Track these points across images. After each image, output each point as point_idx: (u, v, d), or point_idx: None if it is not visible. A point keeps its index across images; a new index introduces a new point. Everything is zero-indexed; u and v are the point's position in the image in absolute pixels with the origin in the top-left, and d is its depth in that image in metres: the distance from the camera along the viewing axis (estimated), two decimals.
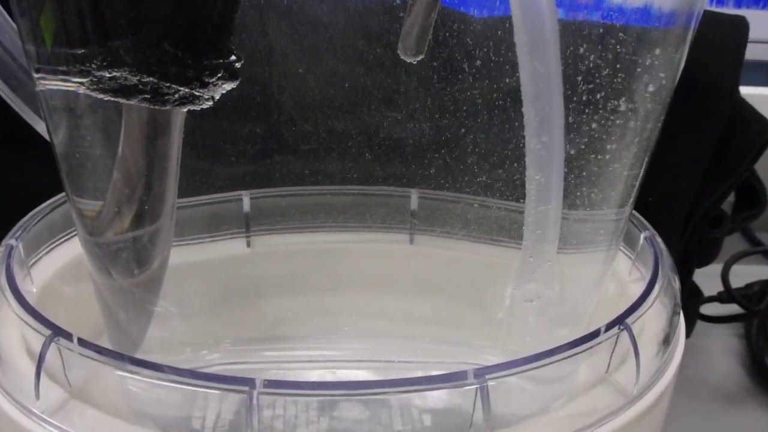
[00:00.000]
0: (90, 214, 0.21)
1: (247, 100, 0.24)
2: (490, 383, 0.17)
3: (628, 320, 0.20)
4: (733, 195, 0.36)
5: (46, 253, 0.26)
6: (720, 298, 0.39)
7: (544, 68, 0.16)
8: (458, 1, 0.21)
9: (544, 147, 0.17)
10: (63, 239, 0.27)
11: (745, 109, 0.32)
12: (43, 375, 0.19)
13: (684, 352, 0.23)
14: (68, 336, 0.19)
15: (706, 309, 0.39)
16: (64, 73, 0.18)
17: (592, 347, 0.19)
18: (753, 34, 0.33)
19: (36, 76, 0.19)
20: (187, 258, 0.26)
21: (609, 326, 0.20)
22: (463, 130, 0.24)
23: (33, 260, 0.25)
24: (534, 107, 0.17)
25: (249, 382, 0.17)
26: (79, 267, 0.24)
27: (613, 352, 0.20)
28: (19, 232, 0.24)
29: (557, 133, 0.17)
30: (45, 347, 0.18)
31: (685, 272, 0.36)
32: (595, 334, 0.19)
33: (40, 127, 0.22)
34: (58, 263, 0.26)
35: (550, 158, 0.18)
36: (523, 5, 0.15)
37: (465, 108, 0.23)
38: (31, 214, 0.25)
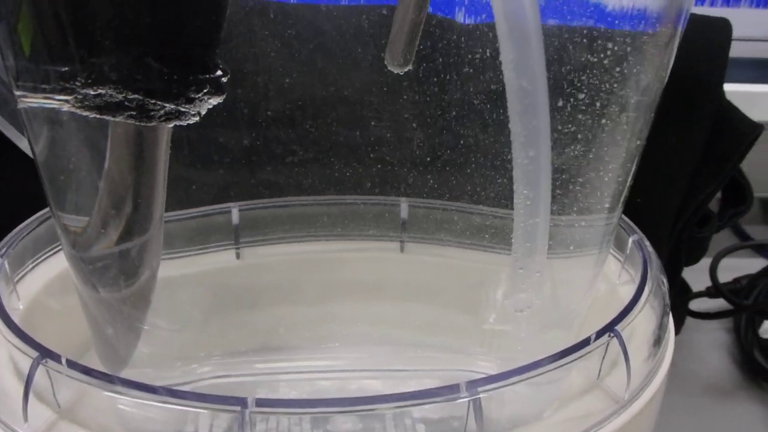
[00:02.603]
0: (75, 230, 0.21)
1: (234, 112, 0.24)
2: (482, 395, 0.17)
3: (618, 327, 0.20)
4: (720, 193, 0.36)
5: (33, 268, 0.26)
6: (708, 293, 0.39)
7: (530, 85, 0.16)
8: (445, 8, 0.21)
9: (531, 161, 0.17)
10: (49, 253, 0.26)
11: (731, 109, 0.32)
12: (31, 396, 0.18)
13: (674, 347, 0.23)
14: (56, 357, 0.18)
15: (695, 304, 0.39)
16: (47, 90, 0.17)
17: (582, 356, 0.19)
18: (735, 32, 0.33)
19: (17, 93, 0.19)
20: (176, 271, 0.25)
21: (599, 334, 0.20)
22: (451, 139, 0.24)
23: (19, 276, 0.25)
24: (521, 122, 0.17)
25: (241, 401, 0.17)
26: (67, 281, 0.23)
27: (603, 358, 0.20)
28: (5, 248, 0.24)
29: (544, 147, 0.17)
30: (33, 369, 0.18)
31: (673, 272, 0.36)
32: (585, 342, 0.19)
33: (23, 144, 0.22)
34: (45, 278, 0.26)
35: (537, 172, 0.17)
36: (509, 24, 0.15)
37: (454, 117, 0.23)
38: (16, 229, 0.25)
